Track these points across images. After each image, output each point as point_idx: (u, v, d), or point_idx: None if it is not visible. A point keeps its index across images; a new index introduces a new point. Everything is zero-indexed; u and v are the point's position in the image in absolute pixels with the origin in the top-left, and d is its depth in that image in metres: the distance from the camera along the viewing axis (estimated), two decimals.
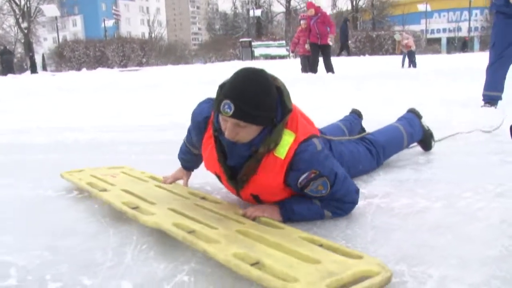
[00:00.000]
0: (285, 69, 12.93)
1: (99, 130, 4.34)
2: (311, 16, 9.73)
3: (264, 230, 1.53)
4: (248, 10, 43.70)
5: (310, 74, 9.76)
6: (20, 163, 3.14)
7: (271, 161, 1.62)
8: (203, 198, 1.94)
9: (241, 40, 22.42)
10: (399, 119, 2.69)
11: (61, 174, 2.37)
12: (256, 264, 1.26)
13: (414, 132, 2.62)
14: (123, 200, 1.85)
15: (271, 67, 13.31)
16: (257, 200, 1.77)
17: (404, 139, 2.53)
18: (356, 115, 2.79)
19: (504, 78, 4.46)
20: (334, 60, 10.71)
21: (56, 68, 30.97)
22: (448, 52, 36.47)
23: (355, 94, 6.57)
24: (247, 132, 1.56)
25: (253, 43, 20.36)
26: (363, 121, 2.80)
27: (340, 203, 1.70)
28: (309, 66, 10.29)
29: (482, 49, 35.67)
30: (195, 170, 2.20)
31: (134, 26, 74.15)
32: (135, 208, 1.75)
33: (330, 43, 10.07)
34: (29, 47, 30.37)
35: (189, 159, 2.12)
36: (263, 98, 1.52)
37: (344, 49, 18.97)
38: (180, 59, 47.66)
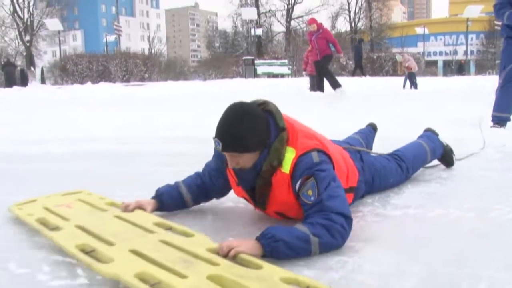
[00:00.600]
0: (288, 87, 13.14)
1: (116, 141, 4.43)
2: (313, 32, 9.55)
3: (240, 273, 1.36)
4: (248, 29, 44.23)
5: (317, 93, 9.80)
6: (45, 171, 3.21)
7: (280, 178, 1.74)
8: (170, 228, 1.77)
9: (244, 58, 22.66)
10: (420, 137, 2.81)
11: (9, 208, 2.11)
12: None
13: (436, 148, 2.72)
14: (77, 242, 1.62)
15: (273, 85, 13.50)
16: (284, 217, 1.87)
17: (428, 154, 2.64)
18: (371, 128, 2.89)
19: None
20: (345, 79, 10.80)
21: (55, 81, 31.05)
22: (445, 74, 36.98)
23: (363, 112, 6.70)
24: (245, 160, 1.72)
25: (256, 61, 20.63)
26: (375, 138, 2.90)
27: (327, 220, 1.57)
28: (316, 85, 10.34)
29: (478, 72, 36.12)
30: None
31: (134, 42, 74.74)
32: (91, 251, 1.55)
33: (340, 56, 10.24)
34: (30, 60, 30.45)
35: (174, 197, 2.03)
36: (245, 128, 1.67)
37: (358, 69, 19.17)
38: (179, 75, 47.96)
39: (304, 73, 12.14)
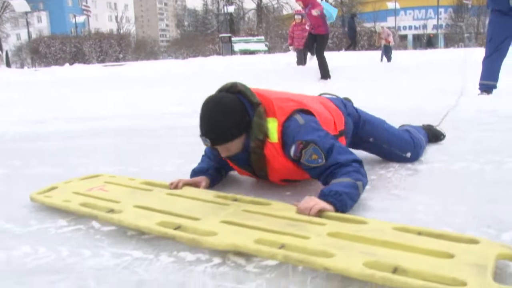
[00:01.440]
0: (271, 63, 13.26)
1: (128, 118, 4.54)
2: (304, 9, 8.97)
3: (353, 228, 1.39)
4: (219, 7, 43.78)
5: (304, 67, 9.80)
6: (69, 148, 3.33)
7: (271, 148, 1.81)
8: (235, 200, 1.75)
9: (220, 35, 22.56)
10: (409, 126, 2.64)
11: (31, 197, 1.91)
12: (396, 271, 1.12)
13: (418, 143, 2.46)
14: (155, 220, 1.52)
15: (254, 63, 13.57)
16: (289, 182, 1.98)
17: (409, 144, 2.40)
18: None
19: (499, 69, 4.90)
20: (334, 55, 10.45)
21: (21, 64, 30.12)
22: (414, 48, 37.63)
23: (352, 86, 6.94)
24: (235, 145, 1.81)
25: (232, 39, 20.60)
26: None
27: (351, 167, 1.70)
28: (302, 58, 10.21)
29: (447, 45, 36.82)
30: None
31: (102, 22, 72.71)
32: (178, 228, 1.45)
33: (314, 13, 9.25)
34: None
35: (214, 174, 2.08)
36: (225, 119, 1.75)
37: (352, 44, 19.23)
38: (150, 55, 47.28)
39: (290, 48, 11.91)
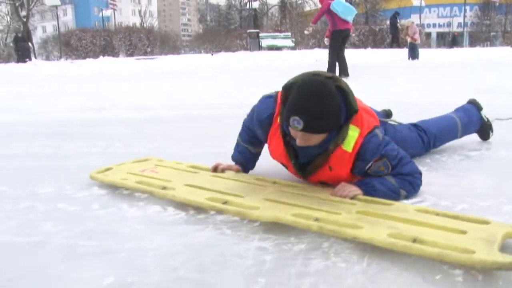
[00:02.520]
0: (292, 59, 13.52)
1: (177, 108, 4.91)
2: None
3: (380, 208, 1.58)
4: (242, 2, 44.06)
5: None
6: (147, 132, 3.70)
7: (339, 155, 1.77)
8: (275, 182, 1.91)
9: (248, 31, 22.91)
10: (457, 110, 2.72)
11: (91, 176, 2.12)
12: (415, 241, 1.29)
13: (470, 123, 2.65)
14: (205, 196, 1.72)
15: (279, 58, 13.84)
16: (323, 183, 1.94)
17: (458, 129, 2.58)
18: (385, 114, 2.58)
19: None
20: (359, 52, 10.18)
21: (47, 57, 30.80)
22: (438, 46, 37.35)
23: (385, 83, 7.19)
24: (317, 138, 1.71)
25: (260, 34, 20.93)
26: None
27: (411, 177, 1.81)
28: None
29: (472, 44, 36.44)
30: None
31: (125, 17, 73.65)
32: (225, 203, 1.64)
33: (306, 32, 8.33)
34: (28, 36, 30.22)
35: (247, 158, 2.15)
36: (327, 109, 1.65)
37: (395, 41, 19.10)
38: (173, 49, 47.89)
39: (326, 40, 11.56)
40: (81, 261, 1.40)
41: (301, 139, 1.70)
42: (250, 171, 2.17)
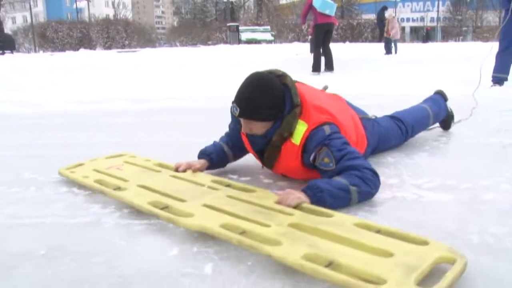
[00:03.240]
0: (272, 53, 13.72)
1: (186, 99, 5.05)
2: None
3: (315, 221, 1.50)
4: None
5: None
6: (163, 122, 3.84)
7: (289, 148, 1.90)
8: (229, 185, 1.91)
9: (228, 24, 22.96)
10: (426, 100, 2.88)
11: (59, 172, 2.21)
12: (330, 265, 1.22)
13: (440, 112, 2.83)
14: (148, 199, 1.74)
15: (259, 52, 14.02)
16: (287, 177, 2.08)
17: (430, 119, 2.75)
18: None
19: (511, 63, 5.46)
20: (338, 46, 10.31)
21: (16, 49, 29.99)
22: (411, 41, 38.11)
23: (367, 76, 7.46)
24: (258, 127, 1.87)
25: (240, 28, 21.01)
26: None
27: (358, 172, 1.76)
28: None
29: (444, 39, 37.25)
30: None
31: (98, 8, 72.33)
32: (165, 208, 1.67)
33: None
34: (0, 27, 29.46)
35: (218, 153, 2.20)
36: (261, 99, 1.80)
37: (383, 35, 18.97)
38: (148, 42, 47.46)
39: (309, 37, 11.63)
40: (142, 237, 1.55)
41: (244, 126, 1.90)
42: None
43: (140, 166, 2.26)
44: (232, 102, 1.86)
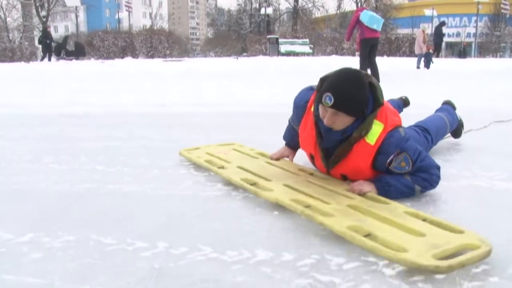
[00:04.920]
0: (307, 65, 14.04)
1: (239, 105, 5.44)
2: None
3: (372, 205, 1.72)
4: (257, 7, 44.67)
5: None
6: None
7: (362, 147, 1.91)
8: (311, 174, 2.18)
9: (268, 37, 23.52)
10: (441, 110, 3.03)
11: (180, 152, 2.71)
12: (368, 235, 1.44)
13: (453, 121, 2.96)
14: (241, 176, 2.11)
15: (299, 64, 14.37)
16: (344, 178, 2.07)
17: (447, 127, 2.88)
18: (402, 102, 3.26)
19: None
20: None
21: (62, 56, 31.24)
22: (446, 56, 37.78)
23: (413, 90, 7.70)
24: (342, 121, 1.86)
25: (279, 40, 21.52)
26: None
27: (427, 174, 1.93)
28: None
29: (481, 55, 36.74)
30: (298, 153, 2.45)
31: (136, 19, 74.42)
32: (253, 184, 2.02)
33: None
34: (46, 36, 30.83)
35: (291, 135, 2.37)
36: (357, 93, 1.84)
37: (437, 50, 18.91)
38: (184, 52, 48.66)
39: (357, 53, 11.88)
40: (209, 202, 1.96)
41: (328, 118, 1.85)
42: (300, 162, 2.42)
43: (244, 153, 2.65)
44: (324, 92, 1.84)
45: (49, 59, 18.52)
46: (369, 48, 8.56)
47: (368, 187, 1.89)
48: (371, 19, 8.48)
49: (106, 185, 2.27)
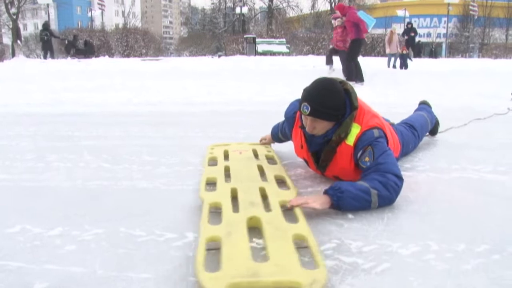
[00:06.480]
0: (290, 64, 14.22)
1: (230, 103, 5.55)
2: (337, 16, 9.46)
3: (271, 220, 1.63)
4: (231, 7, 44.70)
5: (330, 68, 10.11)
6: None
7: (344, 149, 2.07)
8: (281, 181, 2.21)
9: (245, 36, 23.62)
10: (420, 109, 3.29)
11: (208, 146, 2.96)
12: (217, 249, 1.44)
13: (432, 119, 3.21)
14: (212, 176, 2.25)
15: (277, 63, 14.53)
16: (339, 179, 2.16)
17: (428, 124, 3.13)
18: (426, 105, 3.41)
19: None
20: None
21: (27, 56, 30.67)
22: (414, 57, 38.57)
23: (390, 89, 7.96)
24: (322, 127, 2.04)
25: (256, 40, 21.64)
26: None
27: (383, 178, 1.87)
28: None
29: (450, 55, 37.66)
30: None
31: (109, 17, 73.27)
32: (210, 184, 2.17)
33: (337, 23, 9.16)
34: (17, 34, 30.19)
35: (276, 132, 2.81)
36: (331, 100, 1.99)
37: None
38: (158, 51, 48.27)
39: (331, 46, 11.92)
40: None
41: (309, 125, 2.04)
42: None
43: (253, 154, 2.73)
44: (302, 101, 2.02)
45: (52, 57, 17.70)
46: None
47: (312, 199, 1.79)
48: (370, 20, 8.77)
49: (118, 182, 2.35)
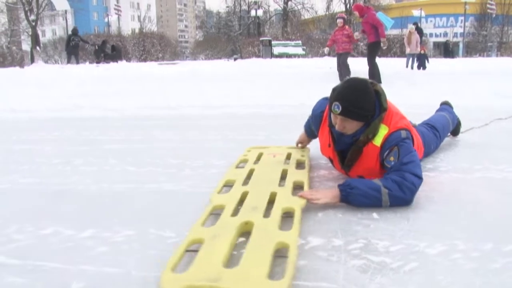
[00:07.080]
0: (306, 66, 14.21)
1: (249, 106, 5.59)
2: (361, 18, 9.12)
3: (264, 226, 1.62)
4: (246, 10, 44.86)
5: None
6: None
7: (370, 149, 2.08)
8: (299, 187, 2.16)
9: (261, 39, 23.71)
10: (441, 110, 3.30)
11: (248, 148, 2.96)
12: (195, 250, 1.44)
13: (454, 119, 3.23)
14: (230, 178, 2.28)
15: (294, 65, 14.53)
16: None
17: (450, 125, 3.14)
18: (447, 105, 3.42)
19: None
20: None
21: (45, 61, 31.13)
22: (433, 56, 38.18)
23: (408, 89, 7.91)
24: (351, 126, 2.06)
25: (272, 42, 21.70)
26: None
27: (400, 178, 1.89)
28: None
29: (467, 54, 37.20)
30: None
31: (125, 22, 74.11)
32: (228, 186, 2.17)
33: (355, 37, 9.37)
34: (36, 40, 30.69)
35: (310, 128, 2.74)
36: (363, 100, 2.01)
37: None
38: (174, 55, 48.64)
39: (325, 49, 11.50)
40: None
41: (339, 124, 2.07)
42: None
43: (287, 157, 2.70)
44: (333, 101, 2.04)
45: (77, 62, 17.73)
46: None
47: (326, 196, 1.90)
48: (385, 21, 8.75)
49: (144, 185, 2.40)
